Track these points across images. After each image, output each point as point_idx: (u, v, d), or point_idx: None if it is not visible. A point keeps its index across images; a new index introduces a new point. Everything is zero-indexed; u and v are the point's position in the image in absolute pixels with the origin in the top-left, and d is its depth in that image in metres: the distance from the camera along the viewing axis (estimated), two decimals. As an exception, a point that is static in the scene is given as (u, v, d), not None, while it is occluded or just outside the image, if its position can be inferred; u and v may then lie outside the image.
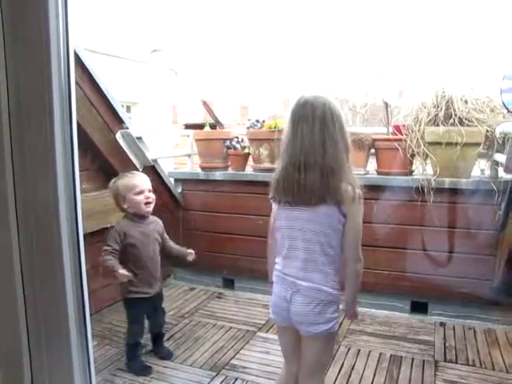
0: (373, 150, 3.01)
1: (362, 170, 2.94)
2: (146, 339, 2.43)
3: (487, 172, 2.84)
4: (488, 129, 2.57)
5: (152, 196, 2.26)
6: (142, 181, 2.24)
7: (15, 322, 0.63)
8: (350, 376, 2.22)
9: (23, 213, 0.62)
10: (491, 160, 2.72)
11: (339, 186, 1.40)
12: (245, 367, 2.32)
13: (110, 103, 2.72)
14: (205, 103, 3.64)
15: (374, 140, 2.94)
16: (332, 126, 1.41)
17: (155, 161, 3.13)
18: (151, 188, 2.28)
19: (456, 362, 2.34)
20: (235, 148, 3.30)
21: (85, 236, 0.67)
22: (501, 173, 2.67)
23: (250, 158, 3.34)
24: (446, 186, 2.69)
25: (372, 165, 3.08)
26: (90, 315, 0.69)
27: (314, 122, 1.40)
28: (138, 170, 2.99)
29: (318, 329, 1.48)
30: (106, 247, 2.16)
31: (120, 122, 2.84)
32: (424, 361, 2.36)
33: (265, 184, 1.58)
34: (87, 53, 2.60)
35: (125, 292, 2.23)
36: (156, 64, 10.72)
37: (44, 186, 0.62)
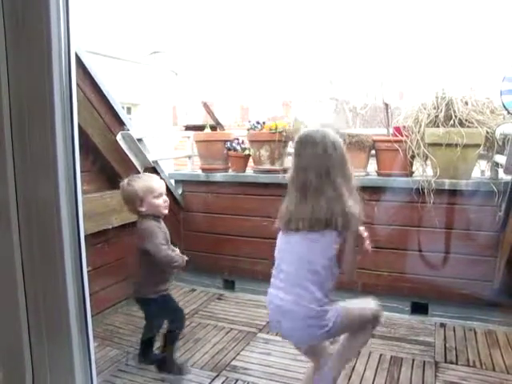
0: (373, 152, 3.01)
1: (362, 172, 2.94)
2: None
3: (487, 173, 2.84)
4: (488, 130, 2.57)
5: (167, 199, 2.26)
6: (159, 184, 2.23)
7: (17, 322, 0.63)
8: (350, 377, 2.22)
9: (25, 214, 0.62)
10: (491, 161, 2.73)
11: (338, 212, 1.53)
12: (246, 368, 2.32)
13: (110, 105, 2.73)
14: (205, 105, 3.64)
15: (375, 141, 2.94)
16: (330, 158, 1.56)
17: (156, 162, 3.13)
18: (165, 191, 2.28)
19: (456, 363, 2.34)
20: (235, 149, 3.31)
21: (86, 237, 0.67)
22: (501, 174, 2.67)
23: (251, 160, 3.35)
24: (446, 188, 2.69)
25: (372, 166, 3.08)
26: (92, 316, 0.69)
27: (314, 155, 1.57)
28: (138, 171, 3.00)
29: (315, 339, 1.61)
30: (163, 246, 2.14)
31: (121, 123, 2.84)
32: (424, 362, 2.36)
33: (265, 185, 1.63)
34: (88, 55, 2.60)
35: (148, 292, 2.22)
36: (156, 65, 10.73)
37: (45, 188, 0.62)
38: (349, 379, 2.20)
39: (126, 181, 2.21)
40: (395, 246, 2.89)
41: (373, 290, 2.87)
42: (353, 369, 2.29)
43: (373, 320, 1.72)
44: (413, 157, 2.80)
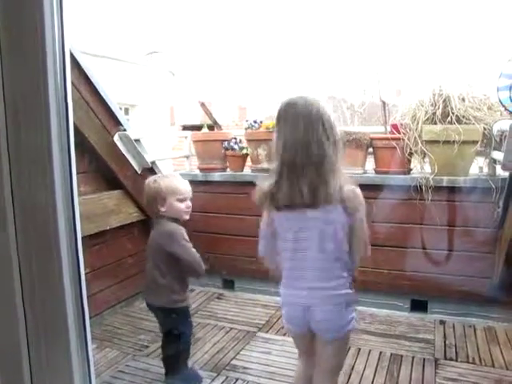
0: (371, 150, 3.01)
1: (360, 170, 2.94)
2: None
3: (485, 170, 2.84)
4: (485, 127, 2.57)
5: (190, 205, 2.14)
6: (187, 187, 2.13)
7: (14, 324, 0.63)
8: (350, 376, 2.22)
9: (21, 216, 0.62)
10: (489, 158, 2.73)
11: (335, 183, 1.37)
12: (245, 368, 2.32)
13: (107, 105, 2.72)
14: (203, 104, 3.64)
15: (372, 139, 2.94)
16: (317, 123, 1.37)
17: (153, 163, 3.12)
18: (192, 196, 2.16)
19: (456, 360, 2.34)
20: (233, 149, 3.30)
21: (84, 239, 0.67)
22: (498, 170, 2.67)
23: (249, 159, 3.34)
24: (445, 185, 2.70)
25: (370, 164, 3.08)
26: (90, 318, 0.69)
27: (298, 121, 1.38)
28: (136, 172, 3.00)
29: (341, 331, 1.48)
30: (192, 249, 2.04)
31: (118, 124, 2.84)
32: (424, 359, 2.36)
33: (259, 188, 1.54)
34: (84, 55, 2.60)
35: (178, 301, 2.09)
36: (153, 66, 10.72)
37: (41, 189, 0.62)
38: (348, 377, 2.20)
39: (152, 178, 2.11)
40: (394, 244, 2.89)
41: (372, 287, 2.88)
42: (352, 367, 2.30)
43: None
44: (410, 154, 2.80)
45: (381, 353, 2.43)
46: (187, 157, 3.68)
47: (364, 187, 1.51)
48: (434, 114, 2.65)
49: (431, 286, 2.81)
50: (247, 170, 3.37)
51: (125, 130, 2.84)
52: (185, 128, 7.47)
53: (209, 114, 3.59)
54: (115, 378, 2.24)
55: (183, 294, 2.10)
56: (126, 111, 9.90)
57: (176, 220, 2.09)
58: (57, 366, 0.65)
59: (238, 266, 3.30)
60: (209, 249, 3.30)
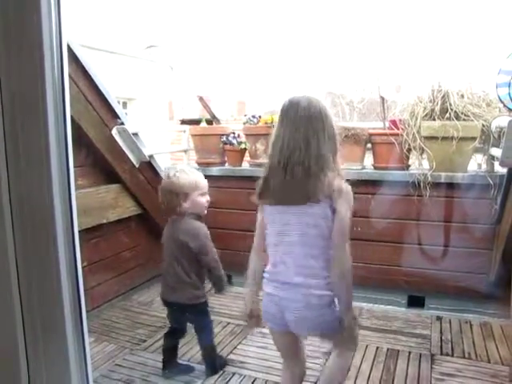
0: (369, 145, 3.01)
1: (358, 165, 2.94)
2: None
3: (483, 166, 2.84)
4: (484, 123, 2.57)
5: (209, 199, 2.16)
6: (205, 181, 2.14)
7: (11, 320, 0.63)
8: (347, 370, 2.23)
9: (18, 209, 0.62)
10: (487, 154, 2.73)
11: (324, 181, 1.38)
12: (242, 362, 2.33)
13: (105, 99, 2.71)
14: (201, 99, 3.63)
15: (371, 135, 2.94)
16: (317, 124, 1.40)
17: (151, 156, 3.12)
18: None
19: (452, 355, 2.36)
20: (232, 143, 3.30)
21: (81, 232, 0.67)
22: (497, 167, 2.67)
23: (247, 154, 3.34)
24: (443, 181, 2.70)
25: (369, 160, 3.08)
26: (88, 312, 0.69)
27: (300, 121, 1.40)
28: (134, 165, 2.99)
29: (322, 330, 1.48)
30: (214, 249, 2.11)
31: (116, 117, 2.83)
32: (421, 354, 2.37)
33: (257, 183, 1.55)
34: (82, 48, 2.58)
35: (200, 296, 2.15)
36: (152, 59, 10.67)
37: (38, 182, 0.62)
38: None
39: (170, 173, 2.07)
40: (391, 240, 2.90)
41: (370, 283, 2.89)
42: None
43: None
44: (409, 150, 2.80)
45: (377, 348, 2.44)
46: (185, 151, 3.68)
47: (362, 183, 1.52)
48: (433, 110, 2.65)
49: (428, 281, 2.82)
50: (245, 165, 3.37)
51: (123, 123, 2.83)
52: (183, 122, 7.45)
53: (207, 108, 3.58)
54: (113, 372, 2.24)
55: (203, 289, 2.14)
56: (125, 105, 9.86)
57: (199, 217, 2.11)
58: (54, 360, 0.65)
59: (236, 260, 3.28)
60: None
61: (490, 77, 2.59)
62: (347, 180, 1.46)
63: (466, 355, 2.35)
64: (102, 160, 2.85)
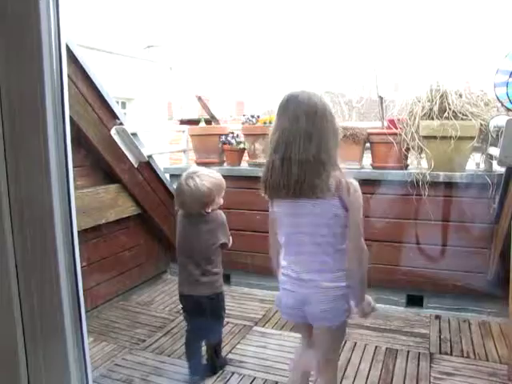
0: (368, 145, 3.02)
1: (357, 165, 2.95)
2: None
3: (482, 166, 2.85)
4: (482, 122, 2.58)
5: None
6: (224, 182, 2.12)
7: (10, 319, 0.63)
8: (345, 369, 2.23)
9: (17, 210, 0.62)
10: (485, 153, 2.74)
11: (331, 176, 1.39)
12: (241, 361, 2.33)
13: (104, 99, 2.71)
14: (200, 99, 3.63)
15: (369, 134, 2.94)
16: (318, 119, 1.39)
17: (150, 157, 3.12)
18: None
19: (451, 354, 2.36)
20: (230, 143, 3.30)
21: (79, 232, 0.67)
22: (495, 166, 2.68)
23: (246, 154, 3.34)
24: (441, 180, 2.70)
25: (367, 160, 3.08)
26: (87, 311, 0.69)
27: (299, 116, 1.39)
28: (133, 166, 2.99)
29: (334, 321, 1.50)
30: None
31: (115, 117, 2.83)
32: (419, 353, 2.38)
33: (260, 179, 1.56)
34: (81, 49, 2.58)
35: (222, 284, 2.17)
36: (151, 60, 10.67)
37: (38, 183, 0.62)
38: (344, 371, 2.22)
39: (194, 177, 2.01)
40: (390, 239, 2.90)
41: (368, 282, 2.88)
42: (348, 361, 2.31)
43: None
44: (407, 149, 2.80)
45: (376, 347, 2.45)
46: (184, 151, 3.68)
47: (361, 182, 1.51)
48: (431, 109, 2.66)
49: (427, 281, 2.83)
50: (244, 165, 3.37)
51: (122, 123, 2.84)
52: (182, 122, 7.45)
53: (206, 108, 3.58)
54: (112, 372, 2.24)
55: (222, 278, 2.17)
56: (124, 105, 9.86)
57: None
58: (53, 360, 0.66)
59: (235, 260, 3.30)
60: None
61: (488, 76, 2.59)
62: None
63: (465, 354, 2.36)
64: (101, 160, 2.85)
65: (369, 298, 1.59)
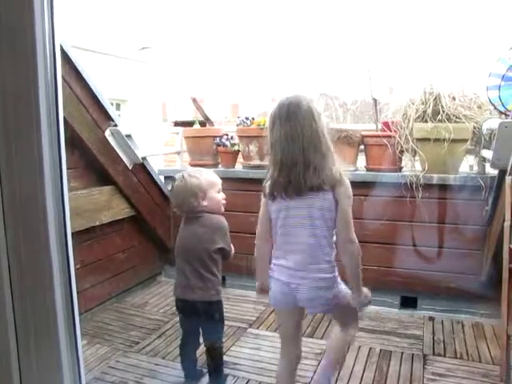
0: (362, 147, 3.03)
1: (351, 167, 2.95)
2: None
3: (475, 168, 2.87)
4: (475, 125, 2.60)
5: (224, 195, 2.16)
6: (219, 178, 2.13)
7: (3, 321, 0.62)
8: (339, 371, 2.23)
9: (10, 211, 0.61)
10: (479, 156, 2.76)
11: (325, 172, 1.50)
12: (236, 364, 2.33)
13: (98, 100, 2.70)
14: (195, 100, 3.63)
15: (363, 136, 2.95)
16: (309, 120, 1.51)
17: (145, 158, 3.11)
18: None
19: (444, 356, 2.37)
20: (225, 145, 3.30)
21: (73, 234, 0.67)
22: (488, 169, 2.70)
23: (240, 155, 3.34)
24: (435, 182, 2.72)
25: (362, 162, 3.09)
26: (81, 314, 0.69)
27: (292, 118, 1.51)
28: (127, 167, 2.98)
29: (318, 309, 1.68)
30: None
31: (109, 119, 2.82)
32: (413, 355, 2.38)
33: (255, 181, 1.62)
34: (75, 50, 2.57)
35: (220, 291, 2.13)
36: (145, 61, 10.66)
37: (31, 185, 0.62)
38: (338, 373, 2.22)
39: (184, 174, 2.06)
40: (384, 241, 2.91)
41: (362, 284, 2.89)
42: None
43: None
44: (401, 152, 2.82)
45: (370, 349, 2.45)
46: (178, 153, 3.68)
47: (355, 184, 1.58)
48: (425, 112, 2.67)
49: (421, 282, 2.84)
50: (239, 167, 3.37)
51: (116, 125, 2.83)
52: (176, 124, 7.44)
53: (201, 110, 3.58)
54: (105, 374, 2.23)
55: (220, 285, 2.16)
56: (118, 106, 9.84)
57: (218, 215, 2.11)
58: (46, 363, 0.65)
59: (229, 262, 3.30)
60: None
61: (480, 79, 2.61)
62: None
63: (458, 355, 2.37)
64: (95, 162, 2.84)
65: (365, 289, 1.73)
